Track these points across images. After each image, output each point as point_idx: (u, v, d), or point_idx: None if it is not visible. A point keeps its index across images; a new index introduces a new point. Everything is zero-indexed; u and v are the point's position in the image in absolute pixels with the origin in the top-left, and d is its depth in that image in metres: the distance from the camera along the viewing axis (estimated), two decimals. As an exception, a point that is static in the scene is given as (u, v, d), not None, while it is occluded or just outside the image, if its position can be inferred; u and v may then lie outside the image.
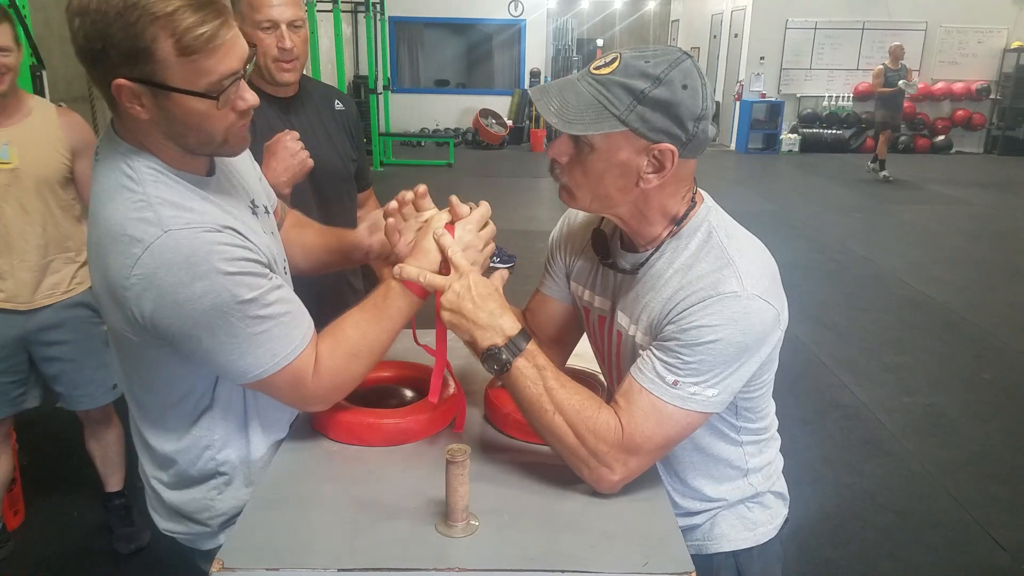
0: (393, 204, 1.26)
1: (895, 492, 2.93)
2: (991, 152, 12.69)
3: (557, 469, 1.15)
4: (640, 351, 1.12)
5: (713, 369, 1.04)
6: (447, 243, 1.13)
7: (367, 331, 1.14)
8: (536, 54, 13.83)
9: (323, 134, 1.95)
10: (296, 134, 1.73)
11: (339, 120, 2.02)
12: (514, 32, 13.74)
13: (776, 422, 1.31)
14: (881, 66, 9.72)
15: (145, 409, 1.18)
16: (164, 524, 1.27)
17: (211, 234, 1.00)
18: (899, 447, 3.25)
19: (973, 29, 12.38)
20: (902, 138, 12.51)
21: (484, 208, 1.20)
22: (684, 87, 1.01)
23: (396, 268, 1.14)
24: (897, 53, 9.60)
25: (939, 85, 12.50)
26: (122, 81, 0.95)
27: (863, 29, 12.37)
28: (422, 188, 1.27)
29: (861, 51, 12.48)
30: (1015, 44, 12.27)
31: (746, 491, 1.26)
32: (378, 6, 11.42)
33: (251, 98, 1.03)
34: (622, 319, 1.19)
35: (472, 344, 1.10)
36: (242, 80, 1.01)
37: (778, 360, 1.18)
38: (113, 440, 2.49)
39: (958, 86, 12.48)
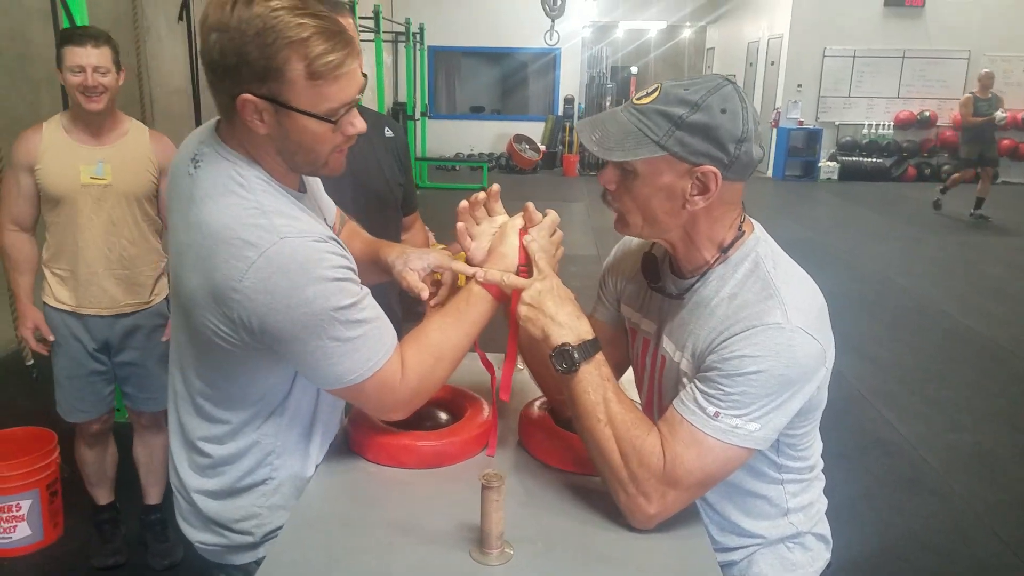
0: (464, 204, 1.28)
1: (939, 533, 2.84)
2: (1037, 182, 12.41)
3: (594, 498, 1.14)
4: (684, 379, 1.12)
5: (756, 402, 1.02)
6: (533, 248, 1.17)
7: (450, 335, 1.17)
8: (571, 81, 13.95)
9: (373, 160, 2.00)
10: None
11: (389, 146, 2.09)
12: (549, 60, 13.88)
13: (821, 463, 1.28)
14: (969, 95, 9.19)
15: (209, 413, 1.19)
16: (198, 535, 1.27)
17: (320, 243, 1.05)
18: (944, 486, 3.15)
19: (1018, 58, 12.18)
20: (945, 167, 12.31)
21: (554, 215, 1.24)
22: (723, 111, 1.03)
23: (479, 272, 1.18)
24: (986, 82, 9.05)
25: (983, 114, 12.29)
26: (248, 96, 1.01)
27: (903, 57, 12.25)
28: (495, 188, 1.30)
29: (902, 79, 12.37)
30: (1061, 73, 12.05)
31: (786, 530, 1.23)
32: (418, 36, 11.65)
33: (360, 125, 1.10)
34: (667, 344, 1.19)
35: (544, 339, 1.12)
36: (355, 107, 1.08)
37: (826, 400, 1.16)
38: (160, 447, 2.57)
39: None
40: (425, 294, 1.29)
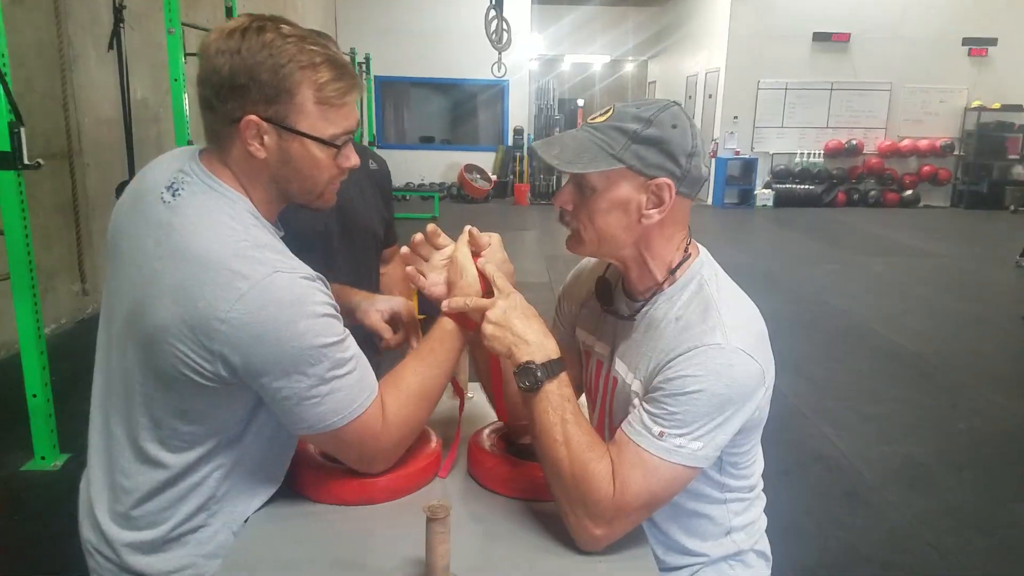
0: (406, 249, 1.29)
1: (876, 544, 2.91)
2: (957, 206, 13.08)
3: (542, 523, 1.14)
4: (635, 400, 1.13)
5: (697, 420, 1.05)
6: (490, 270, 1.19)
7: (427, 376, 1.18)
8: (519, 112, 14.13)
9: (357, 192, 1.99)
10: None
11: (373, 179, 2.09)
12: (497, 91, 14.03)
13: (762, 482, 1.31)
14: None
15: (152, 456, 1.10)
16: None
17: (309, 281, 1.04)
18: (879, 497, 3.25)
19: (935, 89, 12.87)
20: (872, 192, 12.85)
21: (497, 236, 1.27)
22: (674, 127, 1.08)
23: (444, 304, 1.20)
24: None
25: (905, 142, 12.92)
26: (253, 117, 1.03)
27: (831, 89, 12.81)
28: (431, 227, 1.30)
29: (830, 110, 12.92)
30: (975, 103, 12.77)
31: (728, 548, 1.25)
32: (364, 66, 11.64)
33: (355, 159, 1.13)
34: (620, 366, 1.21)
35: (509, 357, 1.13)
36: (351, 141, 1.12)
37: (766, 419, 1.19)
38: None
39: (923, 143, 12.91)
40: (388, 335, 1.31)
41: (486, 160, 13.80)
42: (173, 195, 1.07)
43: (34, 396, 3.09)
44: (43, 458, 3.15)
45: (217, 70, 1.02)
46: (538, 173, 13.17)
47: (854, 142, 12.88)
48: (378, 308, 1.37)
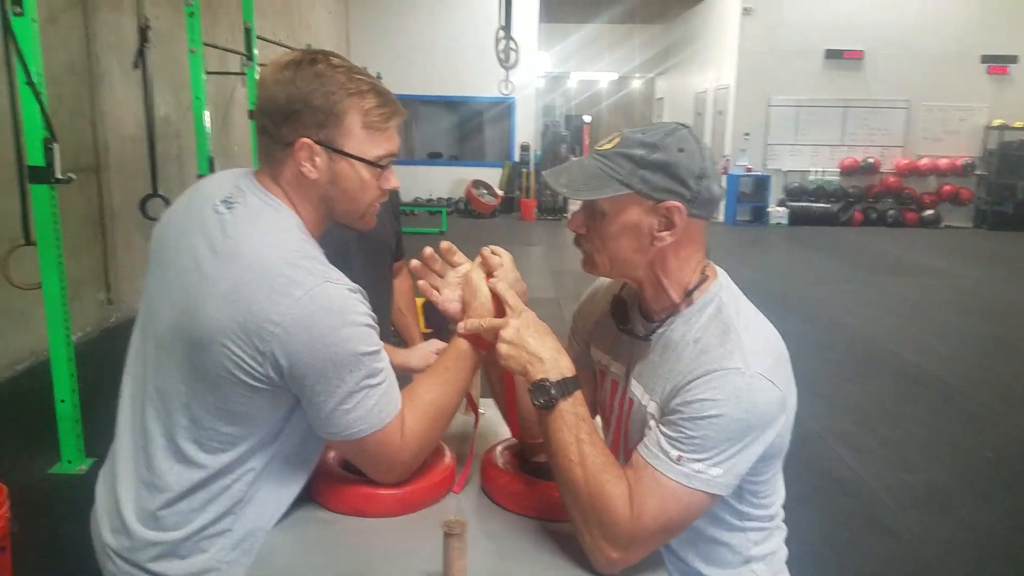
0: (417, 263, 1.32)
1: (896, 573, 2.87)
2: (980, 227, 12.87)
3: (558, 543, 1.14)
4: (651, 422, 1.13)
5: (717, 446, 1.04)
6: (502, 289, 1.22)
7: (442, 393, 1.22)
8: (526, 128, 14.23)
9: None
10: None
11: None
12: (504, 108, 14.13)
13: (783, 512, 1.29)
14: None
15: (189, 455, 1.13)
16: None
17: (353, 292, 1.11)
18: (899, 525, 3.20)
19: (955, 107, 12.79)
20: (890, 211, 12.76)
21: (509, 256, 1.30)
22: (680, 150, 1.09)
23: (459, 325, 1.23)
24: None
25: (924, 160, 12.82)
26: (307, 140, 1.13)
27: (845, 107, 12.77)
28: (446, 244, 1.35)
29: (845, 128, 12.86)
30: (996, 122, 12.66)
31: None
32: (376, 84, 11.74)
33: (395, 182, 1.23)
34: (635, 387, 1.20)
35: (524, 374, 1.14)
36: (391, 166, 1.21)
37: (787, 447, 1.18)
38: None
39: (943, 162, 12.79)
40: None
41: (493, 176, 13.88)
42: (228, 207, 1.15)
43: (62, 401, 3.16)
44: (69, 462, 3.23)
45: (274, 99, 1.13)
46: (544, 189, 13.23)
47: (871, 160, 12.80)
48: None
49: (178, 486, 1.14)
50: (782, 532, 1.30)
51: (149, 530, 1.16)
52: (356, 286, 1.13)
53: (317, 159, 1.14)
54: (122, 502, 1.18)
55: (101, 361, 4.31)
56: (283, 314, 1.04)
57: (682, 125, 1.13)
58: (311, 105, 1.11)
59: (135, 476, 1.18)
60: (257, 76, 6.16)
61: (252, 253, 1.09)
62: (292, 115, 1.12)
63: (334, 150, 1.14)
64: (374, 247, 2.05)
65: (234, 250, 1.09)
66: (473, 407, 1.42)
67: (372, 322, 1.12)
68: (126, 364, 1.24)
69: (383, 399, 1.12)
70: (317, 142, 1.13)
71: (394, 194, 2.20)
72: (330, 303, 1.06)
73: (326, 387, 1.08)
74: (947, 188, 12.88)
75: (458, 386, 1.23)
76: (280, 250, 1.10)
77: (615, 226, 1.12)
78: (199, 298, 1.09)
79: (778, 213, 12.78)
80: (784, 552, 1.30)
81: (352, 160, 1.15)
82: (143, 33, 5.03)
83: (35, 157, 2.93)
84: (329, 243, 1.75)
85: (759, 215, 12.89)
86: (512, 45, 6.98)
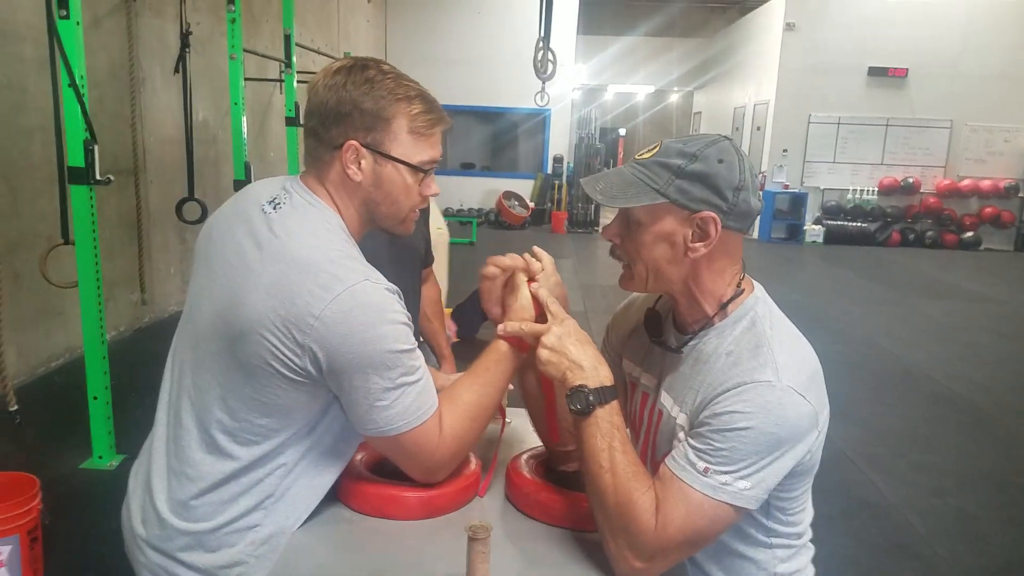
0: (494, 270, 1.30)
1: (926, 599, 2.80)
2: (1021, 250, 12.58)
3: (582, 551, 1.14)
4: (680, 434, 1.12)
5: (746, 459, 1.03)
6: (543, 295, 1.23)
7: (481, 394, 1.23)
8: (560, 141, 14.24)
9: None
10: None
11: None
12: (539, 120, 14.16)
13: (810, 532, 1.27)
14: None
15: (222, 447, 1.16)
16: None
17: (391, 292, 1.14)
18: (928, 550, 3.13)
19: (999, 128, 12.53)
20: (929, 232, 12.51)
21: (548, 257, 1.32)
22: (720, 161, 1.09)
23: (499, 328, 1.24)
24: None
25: (966, 182, 12.56)
26: (355, 142, 1.16)
27: (887, 125, 12.58)
28: (536, 249, 1.34)
29: (886, 146, 12.66)
30: (1042, 143, 12.36)
31: None
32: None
33: (435, 188, 1.26)
34: (665, 399, 1.20)
35: (562, 380, 1.15)
36: (433, 172, 1.24)
37: (818, 466, 1.17)
38: None
39: (985, 183, 12.51)
40: None
41: (525, 187, 13.92)
42: (274, 208, 1.18)
43: (95, 398, 3.22)
44: (100, 457, 3.29)
45: (324, 102, 1.17)
46: (576, 202, 13.21)
47: (911, 180, 12.58)
48: None
49: (210, 477, 1.17)
50: (809, 551, 1.28)
51: (180, 520, 1.18)
52: (394, 286, 1.15)
53: (363, 162, 1.17)
54: (155, 492, 1.21)
55: (134, 360, 4.43)
56: (323, 308, 1.06)
57: (724, 137, 1.13)
58: (360, 108, 1.15)
59: (168, 467, 1.21)
60: (295, 83, 6.28)
61: (296, 249, 1.11)
62: (342, 117, 1.15)
63: (380, 153, 1.17)
64: (404, 254, 2.07)
65: (279, 247, 1.12)
66: (501, 412, 1.42)
67: (408, 321, 1.14)
68: (167, 361, 1.28)
69: (420, 397, 1.14)
70: (364, 145, 1.16)
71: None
72: (369, 300, 1.09)
73: (364, 383, 1.09)
74: (988, 210, 12.60)
75: (497, 387, 1.24)
76: (323, 248, 1.12)
77: (649, 235, 1.12)
78: (243, 291, 1.12)
79: (814, 231, 12.62)
80: (811, 572, 1.28)
81: (397, 164, 1.18)
82: (184, 38, 5.13)
83: (75, 158, 3.00)
84: (361, 247, 1.78)
85: (794, 233, 12.75)
86: (550, 56, 6.99)
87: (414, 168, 1.19)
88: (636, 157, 1.16)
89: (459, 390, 1.23)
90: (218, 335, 1.15)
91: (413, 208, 1.24)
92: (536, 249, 1.31)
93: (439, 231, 5.02)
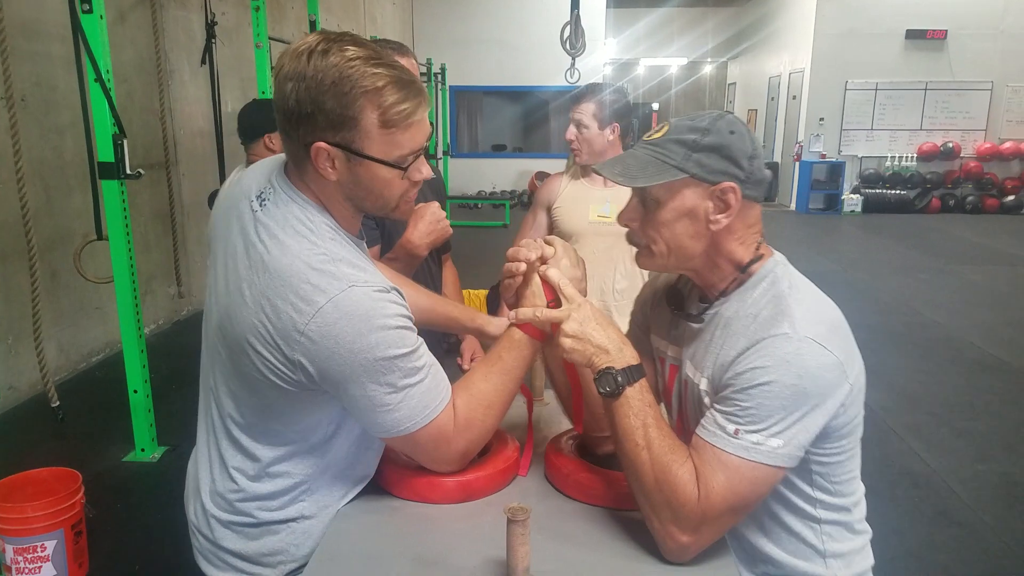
0: (522, 267, 1.23)
1: (970, 565, 2.75)
2: (1065, 213, 12.20)
3: (622, 531, 1.13)
4: (705, 400, 1.12)
5: (773, 415, 1.02)
6: (554, 278, 1.19)
7: (498, 383, 1.20)
8: (592, 118, 14.04)
9: (420, 198, 2.06)
10: (436, 204, 1.86)
11: (432, 186, 2.15)
12: (570, 98, 14.01)
13: (864, 510, 1.24)
14: None
15: (244, 445, 1.18)
16: (216, 574, 1.25)
17: (382, 293, 1.08)
18: (973, 518, 3.07)
19: (1042, 88, 12.08)
20: (969, 198, 12.17)
21: (561, 241, 1.27)
22: (731, 132, 1.10)
23: (511, 314, 1.21)
24: None
25: (1007, 144, 12.17)
26: (323, 144, 1.05)
27: (926, 89, 12.22)
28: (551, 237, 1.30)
29: (924, 111, 12.31)
30: (1086, 102, 11.91)
31: (823, 573, 1.18)
32: (440, 76, 11.84)
33: (426, 171, 1.15)
34: (689, 368, 1.20)
35: (589, 365, 1.14)
36: (422, 155, 1.13)
37: (862, 428, 1.15)
38: None
39: (1028, 145, 12.10)
40: None
41: (557, 168, 13.70)
42: (260, 204, 1.13)
43: (135, 392, 3.28)
44: (142, 450, 3.35)
45: (286, 98, 1.04)
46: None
47: (950, 145, 12.22)
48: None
49: (243, 472, 1.19)
50: (867, 534, 1.25)
51: (220, 510, 1.21)
52: (388, 285, 1.10)
53: (336, 161, 1.07)
54: (201, 482, 1.24)
55: (173, 353, 4.52)
56: (307, 324, 1.03)
57: (727, 112, 1.14)
58: (323, 108, 1.02)
59: (209, 459, 1.24)
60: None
61: (276, 259, 1.06)
62: (305, 118, 1.04)
63: (352, 152, 1.06)
64: None
65: (261, 255, 1.08)
66: (526, 392, 1.40)
67: (405, 321, 1.09)
68: (202, 350, 1.28)
69: (426, 395, 1.11)
70: (333, 145, 1.05)
71: (440, 185, 2.20)
72: (355, 309, 1.04)
73: (361, 391, 1.07)
74: (1032, 175, 12.20)
75: (513, 375, 1.21)
76: (304, 255, 1.06)
77: (670, 212, 1.12)
78: (234, 303, 1.10)
79: (852, 200, 12.34)
80: (868, 558, 1.24)
81: (372, 163, 1.08)
82: (210, 29, 5.16)
83: (105, 153, 3.02)
84: (383, 235, 1.75)
85: (832, 203, 12.48)
86: (580, 31, 6.89)
87: (392, 165, 1.08)
88: (645, 138, 1.15)
89: (473, 379, 1.20)
90: (221, 343, 1.15)
91: (403, 195, 1.14)
92: (548, 237, 1.28)
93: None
